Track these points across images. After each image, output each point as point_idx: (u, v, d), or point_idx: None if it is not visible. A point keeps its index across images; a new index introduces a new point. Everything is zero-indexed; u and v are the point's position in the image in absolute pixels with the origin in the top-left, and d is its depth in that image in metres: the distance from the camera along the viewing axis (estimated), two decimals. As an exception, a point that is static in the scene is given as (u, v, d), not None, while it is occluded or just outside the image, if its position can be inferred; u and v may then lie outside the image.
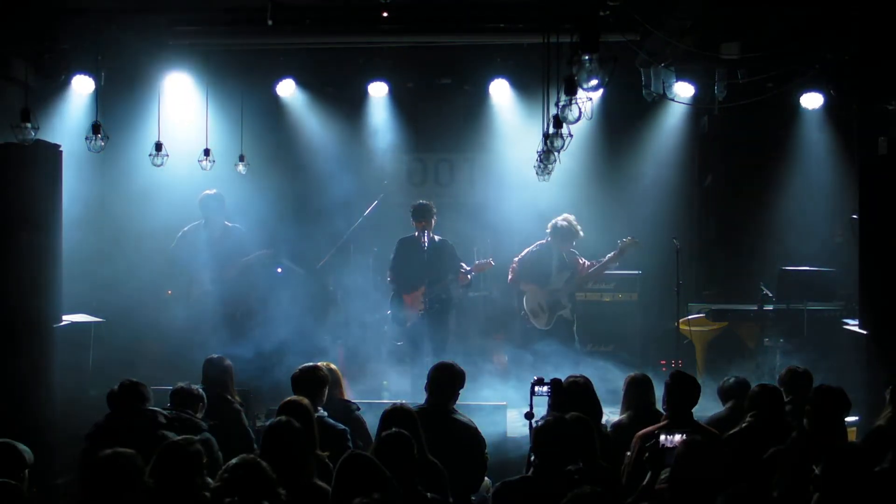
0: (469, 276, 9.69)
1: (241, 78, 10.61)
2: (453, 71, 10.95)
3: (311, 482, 5.08)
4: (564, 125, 7.59)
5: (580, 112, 7.11)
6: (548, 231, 9.78)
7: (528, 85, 10.26)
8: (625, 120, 11.35)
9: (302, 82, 11.09)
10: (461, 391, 6.48)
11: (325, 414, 6.30)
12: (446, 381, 6.38)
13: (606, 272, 10.28)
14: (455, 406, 6.41)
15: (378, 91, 11.19)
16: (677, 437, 5.54)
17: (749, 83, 9.43)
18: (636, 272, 10.97)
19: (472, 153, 12.25)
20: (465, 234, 11.00)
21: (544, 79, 8.25)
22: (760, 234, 11.40)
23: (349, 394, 7.47)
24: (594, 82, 6.73)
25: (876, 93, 8.55)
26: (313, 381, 6.43)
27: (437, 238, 9.70)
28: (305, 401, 5.86)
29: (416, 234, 9.63)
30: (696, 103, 10.17)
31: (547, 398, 6.05)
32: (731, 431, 5.98)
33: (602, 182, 11.53)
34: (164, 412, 6.20)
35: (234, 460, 4.69)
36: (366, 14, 9.19)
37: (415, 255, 9.61)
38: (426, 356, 9.13)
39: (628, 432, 6.10)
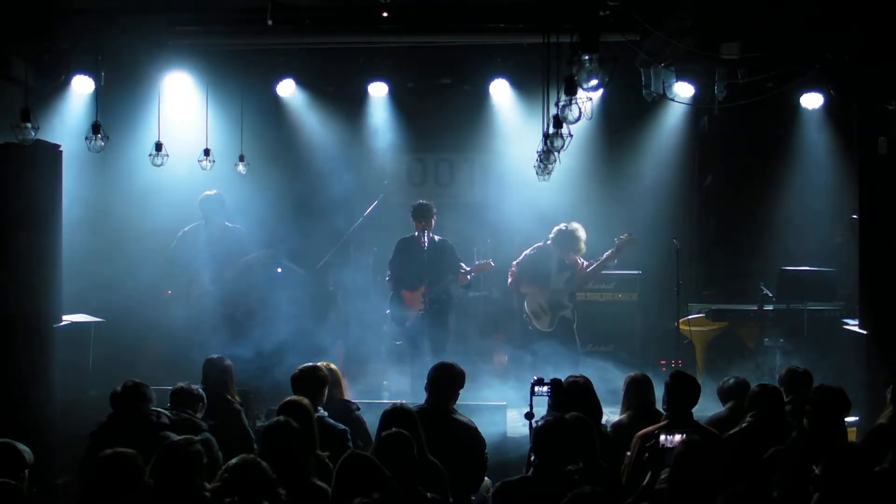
0: (469, 277, 9.69)
1: (241, 78, 10.60)
2: (453, 71, 10.94)
3: (310, 482, 5.08)
4: (564, 125, 7.58)
5: (580, 112, 7.11)
6: (550, 235, 9.78)
7: (528, 85, 10.25)
8: (625, 120, 11.35)
9: (302, 82, 11.08)
10: (461, 391, 6.48)
11: (326, 414, 6.30)
12: (446, 381, 6.39)
13: (606, 272, 10.30)
14: (455, 406, 6.41)
15: (378, 91, 11.19)
16: (677, 437, 5.54)
17: (749, 83, 9.42)
18: (636, 272, 10.97)
19: (472, 153, 12.25)
20: (465, 234, 11.01)
21: (544, 79, 8.24)
22: (760, 234, 11.40)
23: (349, 394, 7.47)
24: (594, 82, 6.73)
25: (876, 93, 8.54)
26: (313, 381, 6.43)
27: (437, 238, 9.70)
28: (305, 401, 5.86)
29: (416, 234, 9.63)
30: (696, 103, 10.17)
31: (547, 398, 6.05)
32: (731, 431, 5.98)
33: (602, 182, 11.54)
34: (167, 413, 6.20)
35: (234, 460, 4.70)
36: (366, 14, 9.19)
37: (415, 255, 9.61)
38: (426, 356, 9.14)
39: (628, 432, 6.10)
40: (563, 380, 6.25)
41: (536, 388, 6.08)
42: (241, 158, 10.54)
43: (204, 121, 10.23)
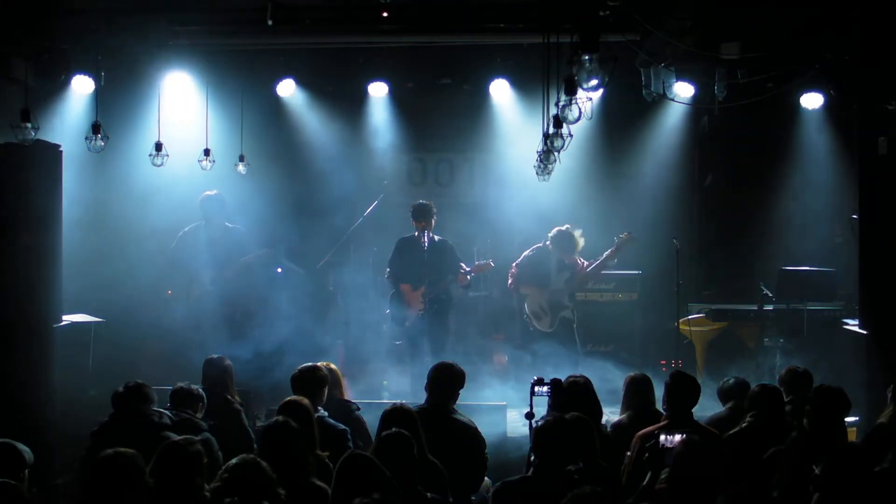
0: (469, 277, 9.69)
1: (241, 78, 10.60)
2: (453, 71, 10.93)
3: (309, 482, 5.08)
4: (564, 125, 7.58)
5: (580, 112, 7.11)
6: (549, 236, 9.79)
7: (528, 85, 10.25)
8: (625, 120, 11.35)
9: (302, 82, 11.08)
10: (461, 391, 6.48)
11: (326, 414, 6.30)
12: (446, 381, 6.39)
13: (606, 272, 10.30)
14: (455, 406, 6.41)
15: (378, 91, 11.19)
16: (677, 437, 5.54)
17: (749, 83, 9.42)
18: (636, 272, 10.97)
19: (472, 153, 12.25)
20: (465, 234, 11.01)
21: (544, 79, 8.24)
22: (760, 234, 11.40)
23: (349, 394, 7.47)
24: (594, 82, 6.73)
25: (876, 93, 8.53)
26: (313, 382, 6.43)
27: (437, 238, 9.71)
28: (305, 401, 5.87)
29: (416, 234, 9.64)
30: (696, 103, 10.16)
31: (547, 398, 6.05)
32: (731, 431, 5.98)
33: (602, 182, 11.53)
34: (169, 413, 6.21)
35: (234, 460, 4.70)
36: (366, 14, 9.19)
37: (415, 255, 9.62)
38: (425, 356, 9.14)
39: (628, 432, 6.10)
40: (563, 380, 6.25)
41: (536, 388, 6.08)
42: (241, 158, 10.54)
43: (204, 121, 10.23)
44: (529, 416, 5.96)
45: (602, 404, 6.49)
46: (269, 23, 8.61)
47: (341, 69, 10.89)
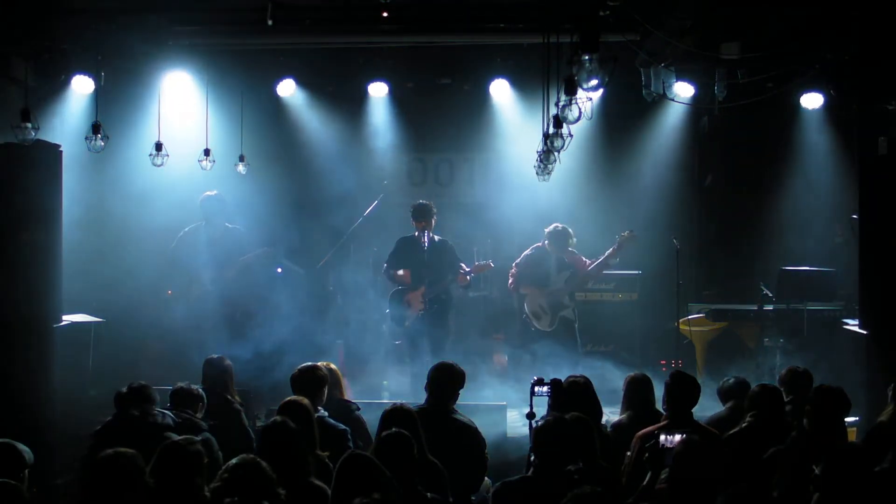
0: (468, 278, 9.69)
1: (241, 78, 10.60)
2: (453, 71, 10.93)
3: (308, 482, 5.08)
4: (564, 125, 7.58)
5: (580, 112, 7.11)
6: (545, 236, 9.80)
7: (528, 85, 10.25)
8: (625, 120, 11.35)
9: (302, 82, 11.08)
10: (461, 391, 6.48)
11: (326, 414, 6.30)
12: (446, 381, 6.39)
13: (606, 272, 10.29)
14: (455, 406, 6.41)
15: (378, 91, 11.19)
16: (677, 437, 5.54)
17: (749, 83, 9.42)
18: (636, 272, 10.97)
19: (472, 153, 12.25)
20: (465, 234, 11.01)
21: (544, 79, 8.24)
22: (760, 234, 11.41)
23: (349, 394, 7.47)
24: (594, 82, 6.73)
25: (876, 93, 8.53)
26: (312, 381, 6.43)
27: (437, 238, 9.71)
28: (305, 401, 5.87)
29: (417, 234, 9.64)
30: (696, 103, 10.16)
31: (547, 398, 6.05)
32: (731, 431, 5.98)
33: (602, 182, 11.53)
34: (171, 414, 6.21)
35: (234, 460, 4.70)
36: (366, 14, 9.18)
37: (415, 255, 9.62)
38: (425, 356, 9.14)
39: (628, 432, 6.10)
40: (562, 380, 6.25)
41: (536, 388, 6.08)
42: (241, 158, 10.54)
43: (204, 121, 10.23)
44: (530, 416, 5.95)
45: (602, 404, 6.49)
46: (269, 23, 8.61)
47: (341, 69, 10.89)
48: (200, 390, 6.61)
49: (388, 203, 11.29)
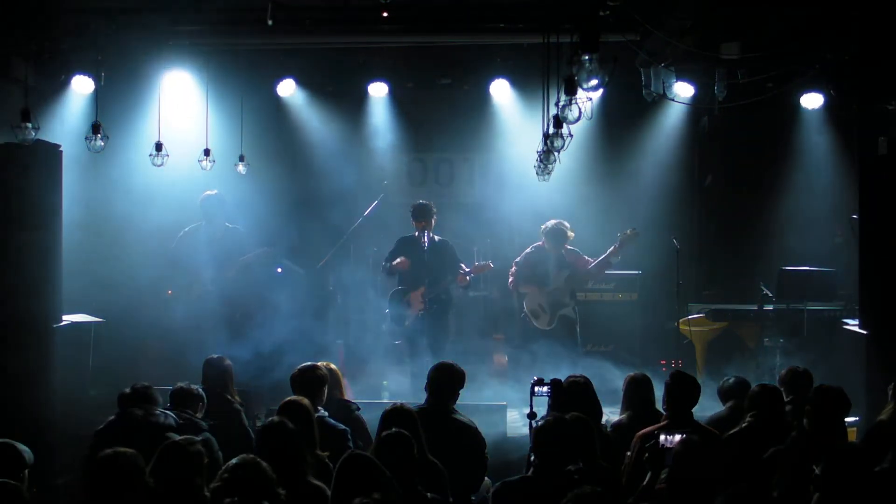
0: (468, 278, 9.69)
1: (241, 77, 10.61)
2: (453, 71, 10.94)
3: (307, 481, 5.08)
4: (564, 125, 7.58)
5: (580, 112, 7.11)
6: (542, 234, 9.80)
7: (528, 85, 10.25)
8: (625, 120, 11.35)
9: (302, 82, 11.09)
10: (461, 391, 6.48)
11: (326, 414, 6.30)
12: (446, 381, 6.39)
13: (607, 272, 10.28)
14: (455, 406, 6.41)
15: (378, 91, 11.19)
16: (677, 437, 5.53)
17: (749, 83, 9.42)
18: (636, 272, 10.97)
19: (472, 153, 12.25)
20: (465, 234, 11.01)
21: (544, 79, 8.25)
22: (760, 234, 11.40)
23: (349, 394, 7.47)
24: (594, 82, 6.73)
25: (876, 93, 8.53)
26: (312, 381, 6.43)
27: (437, 238, 9.71)
28: (305, 401, 5.86)
29: (417, 233, 9.64)
30: (696, 103, 10.17)
31: (547, 398, 6.05)
32: (731, 431, 5.98)
33: (602, 182, 11.53)
34: (174, 415, 6.21)
35: (234, 460, 4.69)
36: (366, 14, 9.18)
37: (415, 255, 9.62)
38: (425, 356, 9.14)
39: (628, 432, 6.10)
40: (562, 380, 6.25)
41: (536, 389, 6.08)
42: (241, 158, 10.53)
43: (204, 121, 10.23)
44: (531, 415, 5.95)
45: (602, 404, 6.49)
46: (269, 23, 8.61)
47: (341, 69, 10.90)
48: (200, 390, 6.61)
49: (388, 203, 11.29)
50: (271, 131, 11.49)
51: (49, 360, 8.22)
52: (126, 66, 9.75)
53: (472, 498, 6.10)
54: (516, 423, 8.41)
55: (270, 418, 5.45)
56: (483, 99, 11.28)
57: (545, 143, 8.25)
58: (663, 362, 10.38)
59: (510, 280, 9.99)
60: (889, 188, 8.11)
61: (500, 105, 11.32)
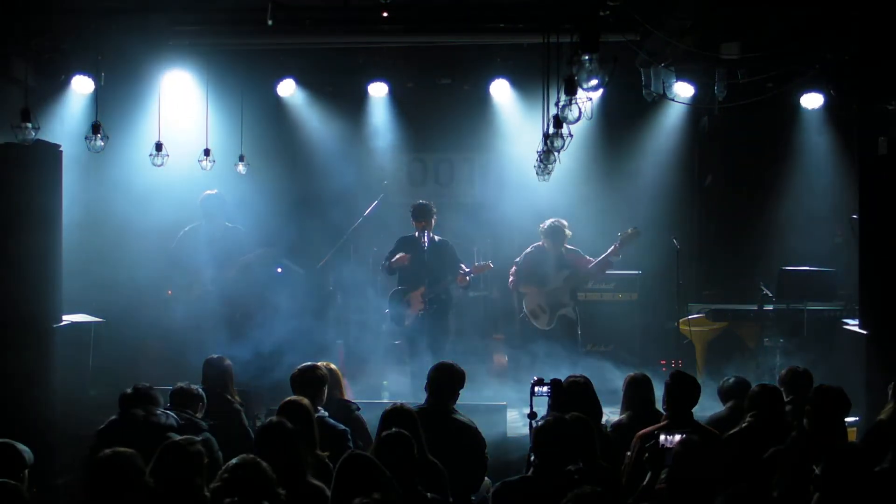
0: (468, 278, 9.69)
1: (241, 77, 10.61)
2: (453, 71, 10.94)
3: (306, 481, 5.08)
4: (564, 125, 7.58)
5: (580, 112, 7.11)
6: (541, 233, 9.80)
7: (528, 85, 10.25)
8: (625, 120, 11.35)
9: (302, 82, 11.09)
10: (461, 391, 6.48)
11: (326, 414, 6.30)
12: (446, 382, 6.39)
13: (607, 272, 10.28)
14: (455, 406, 6.41)
15: (378, 91, 11.20)
16: (677, 437, 5.52)
17: (749, 83, 9.42)
18: (636, 272, 10.96)
19: (472, 153, 12.24)
20: (465, 234, 11.01)
21: (544, 79, 8.25)
22: (760, 234, 11.40)
23: (349, 394, 7.47)
24: (594, 82, 6.72)
25: (876, 93, 8.54)
26: (312, 381, 6.43)
27: (437, 238, 9.71)
28: (305, 401, 5.86)
29: (417, 233, 9.64)
30: (696, 103, 10.17)
31: (547, 398, 6.05)
32: (731, 431, 5.98)
33: (602, 182, 11.53)
34: (175, 415, 6.21)
35: (234, 460, 4.69)
36: (366, 14, 9.18)
37: (415, 255, 9.61)
38: (425, 356, 9.13)
39: (628, 432, 6.10)
40: (562, 380, 6.25)
41: (536, 389, 6.08)
42: (241, 158, 10.54)
43: (204, 121, 10.23)
44: (532, 415, 5.95)
45: (602, 404, 6.48)
46: (269, 23, 8.60)
47: (341, 69, 10.91)
48: (200, 390, 6.61)
49: (388, 203, 11.29)
50: (271, 131, 11.49)
51: (49, 360, 8.22)
52: (126, 66, 9.75)
53: (472, 498, 6.10)
54: (516, 423, 8.41)
55: (269, 418, 5.45)
56: (483, 99, 11.28)
57: (545, 143, 8.24)
58: (663, 362, 10.38)
59: (510, 280, 9.99)
60: (889, 188, 8.11)
61: (500, 105, 11.32)
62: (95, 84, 9.46)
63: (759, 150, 11.47)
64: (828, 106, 10.60)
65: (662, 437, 5.66)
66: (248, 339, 9.13)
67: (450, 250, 9.78)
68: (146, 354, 10.25)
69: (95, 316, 9.56)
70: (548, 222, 9.78)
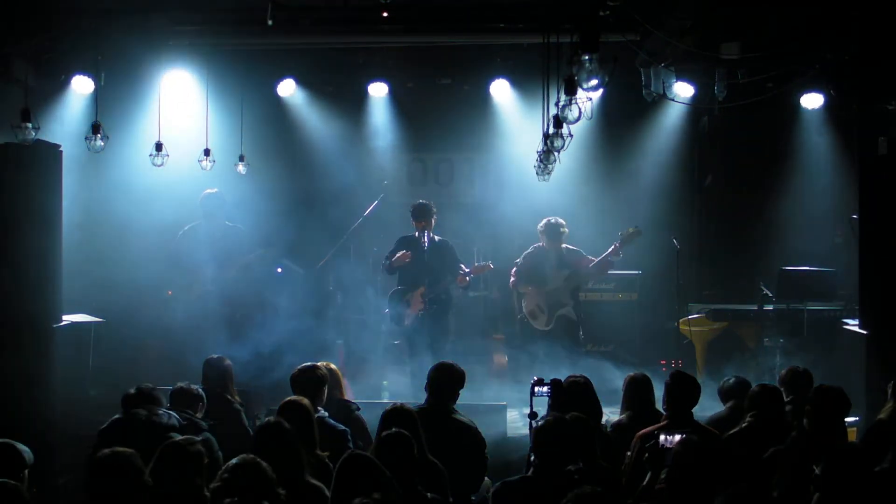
0: (468, 279, 9.69)
1: (241, 77, 10.61)
2: (453, 71, 10.95)
3: (305, 481, 5.08)
4: (564, 125, 7.58)
5: (580, 112, 7.11)
6: (540, 232, 9.80)
7: (528, 85, 10.25)
8: (625, 120, 11.35)
9: (302, 82, 11.10)
10: (461, 391, 6.48)
11: (326, 414, 6.30)
12: (446, 382, 6.39)
13: (608, 272, 10.28)
14: (455, 406, 6.41)
15: (378, 91, 11.20)
16: (677, 437, 5.53)
17: (749, 83, 9.42)
18: (636, 272, 10.96)
19: (472, 153, 12.25)
20: (465, 234, 11.02)
21: (544, 79, 8.25)
22: (760, 234, 11.41)
23: (349, 394, 7.47)
24: (594, 82, 6.72)
25: (876, 93, 8.54)
26: (312, 381, 6.43)
27: (437, 238, 9.71)
28: (305, 401, 5.86)
29: (417, 233, 9.64)
30: (696, 103, 10.17)
31: (547, 398, 6.05)
32: (731, 431, 5.98)
33: (602, 182, 11.53)
34: (177, 415, 6.21)
35: (234, 460, 4.69)
36: (366, 14, 9.18)
37: (415, 255, 9.61)
38: (425, 356, 9.13)
39: (628, 432, 6.10)
40: (562, 380, 6.25)
41: (536, 389, 6.08)
42: (241, 158, 10.53)
43: (204, 120, 10.23)
44: (532, 415, 5.95)
45: (602, 404, 6.49)
46: (269, 23, 8.60)
47: (341, 69, 10.91)
48: (200, 390, 6.61)
49: (388, 203, 11.29)
50: (271, 131, 11.49)
51: (49, 360, 8.22)
52: (126, 66, 9.74)
53: (472, 498, 6.10)
54: (516, 423, 8.41)
55: (266, 419, 5.45)
56: (483, 99, 11.28)
57: (545, 143, 8.25)
58: (663, 362, 10.38)
59: (511, 280, 9.99)
60: (889, 188, 8.11)
61: (500, 105, 11.33)
62: (95, 84, 9.46)
63: (759, 151, 11.47)
64: (828, 106, 10.60)
65: (662, 437, 5.66)
66: (248, 339, 9.13)
67: (450, 250, 9.78)
68: (146, 354, 10.25)
69: (95, 316, 9.56)
70: (544, 221, 9.78)
